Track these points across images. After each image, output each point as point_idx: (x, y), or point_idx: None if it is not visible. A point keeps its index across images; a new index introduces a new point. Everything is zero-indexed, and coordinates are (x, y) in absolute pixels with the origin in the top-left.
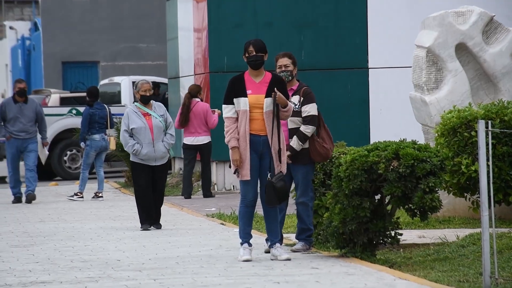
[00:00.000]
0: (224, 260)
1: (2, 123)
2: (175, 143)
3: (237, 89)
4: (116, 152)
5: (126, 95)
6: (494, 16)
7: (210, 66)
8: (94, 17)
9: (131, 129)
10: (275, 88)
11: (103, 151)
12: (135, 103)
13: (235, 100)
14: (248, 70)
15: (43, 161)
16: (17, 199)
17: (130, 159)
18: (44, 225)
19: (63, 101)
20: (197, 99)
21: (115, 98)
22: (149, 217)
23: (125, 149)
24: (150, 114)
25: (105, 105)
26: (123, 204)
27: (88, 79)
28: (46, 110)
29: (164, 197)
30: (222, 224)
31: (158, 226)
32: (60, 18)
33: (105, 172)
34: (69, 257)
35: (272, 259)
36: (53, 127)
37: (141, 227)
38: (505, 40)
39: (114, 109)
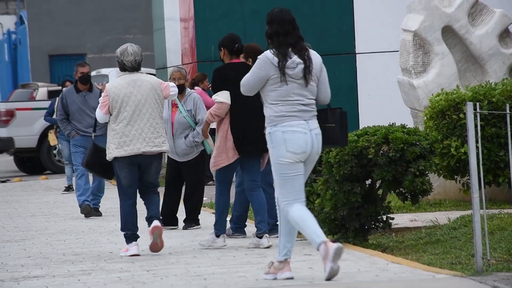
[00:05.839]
0: (216, 250)
1: (65, 119)
2: None
3: None
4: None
5: None
6: None
7: (198, 55)
8: (80, 9)
9: None
10: None
11: None
12: None
13: None
14: None
15: None
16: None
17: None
18: (35, 220)
19: (51, 95)
20: (198, 88)
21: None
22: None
23: None
24: (178, 107)
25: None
26: (114, 197)
27: None
28: (34, 104)
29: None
30: (214, 213)
31: (190, 225)
32: (46, 11)
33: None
34: (61, 250)
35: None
36: (42, 121)
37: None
38: (491, 22)
39: None
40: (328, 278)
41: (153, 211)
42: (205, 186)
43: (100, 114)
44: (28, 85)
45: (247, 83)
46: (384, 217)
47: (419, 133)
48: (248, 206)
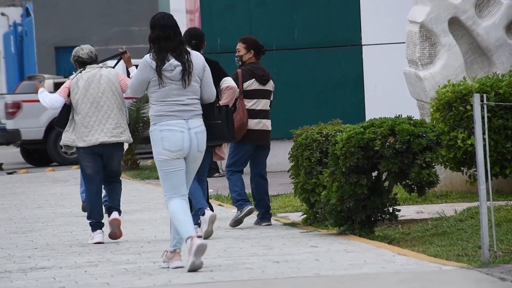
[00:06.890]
0: (223, 241)
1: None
2: None
3: None
4: None
5: None
6: None
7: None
8: (86, 1)
9: None
10: None
11: None
12: None
13: None
14: None
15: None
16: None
17: None
18: (42, 211)
19: (57, 87)
20: None
21: None
22: None
23: None
24: None
25: None
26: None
27: None
28: None
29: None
30: (220, 205)
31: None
32: (52, 3)
33: None
34: (67, 242)
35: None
36: (48, 113)
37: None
38: (498, 13)
39: None
40: (190, 270)
41: (114, 201)
42: (212, 178)
43: (56, 96)
44: (34, 77)
45: (131, 85)
46: (391, 209)
47: (425, 125)
48: (260, 190)
